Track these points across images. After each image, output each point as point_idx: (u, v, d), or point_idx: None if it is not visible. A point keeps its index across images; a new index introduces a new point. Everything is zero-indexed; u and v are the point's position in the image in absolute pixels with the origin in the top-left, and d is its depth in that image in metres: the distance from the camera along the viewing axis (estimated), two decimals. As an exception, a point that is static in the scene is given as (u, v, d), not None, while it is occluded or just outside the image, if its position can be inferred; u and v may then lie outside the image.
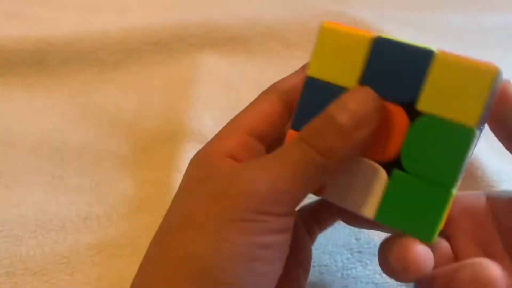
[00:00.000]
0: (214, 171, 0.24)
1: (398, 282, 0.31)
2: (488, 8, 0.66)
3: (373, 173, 0.24)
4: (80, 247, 0.35)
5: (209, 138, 0.27)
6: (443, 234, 0.26)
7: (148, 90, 0.50)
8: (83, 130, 0.45)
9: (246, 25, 0.56)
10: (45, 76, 0.50)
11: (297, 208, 0.24)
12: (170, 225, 0.24)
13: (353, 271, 0.33)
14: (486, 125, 0.25)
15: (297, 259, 0.27)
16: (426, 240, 0.23)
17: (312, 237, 0.30)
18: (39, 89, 0.49)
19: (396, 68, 0.23)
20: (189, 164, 0.26)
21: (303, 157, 0.22)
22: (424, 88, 0.23)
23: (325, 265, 0.33)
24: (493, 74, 0.22)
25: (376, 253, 0.26)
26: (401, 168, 0.23)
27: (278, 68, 0.51)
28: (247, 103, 0.27)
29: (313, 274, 0.33)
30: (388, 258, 0.24)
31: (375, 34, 0.24)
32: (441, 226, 0.23)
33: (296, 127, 0.25)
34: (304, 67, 0.27)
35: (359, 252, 0.34)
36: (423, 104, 0.23)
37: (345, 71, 0.24)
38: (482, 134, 0.24)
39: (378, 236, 0.34)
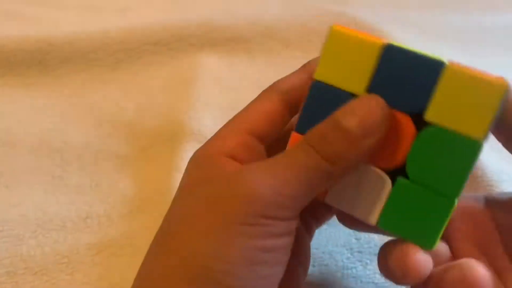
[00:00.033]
0: (216, 171, 0.24)
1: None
2: (488, 8, 0.66)
3: (378, 180, 0.24)
4: (80, 247, 0.35)
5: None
6: (442, 236, 0.26)
7: (148, 90, 0.50)
8: (83, 130, 0.45)
9: (246, 25, 0.56)
10: (45, 76, 0.50)
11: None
12: (172, 226, 0.24)
13: (353, 270, 0.33)
14: None
15: (296, 256, 0.27)
16: (427, 247, 0.24)
17: (310, 233, 0.30)
18: (39, 89, 0.49)
19: (406, 77, 0.23)
20: (189, 164, 0.26)
21: (309, 163, 0.22)
22: (433, 99, 0.23)
23: (325, 265, 0.33)
24: (503, 88, 0.22)
25: (377, 252, 0.26)
26: (405, 176, 0.24)
27: (278, 68, 0.51)
28: (247, 103, 0.27)
29: (313, 274, 0.33)
30: (388, 263, 0.24)
31: (386, 41, 0.23)
32: (442, 233, 0.24)
33: (301, 130, 0.25)
34: (305, 66, 0.27)
35: (359, 252, 0.34)
36: (431, 114, 0.23)
37: (354, 77, 0.24)
38: None
39: (378, 236, 0.35)
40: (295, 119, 0.28)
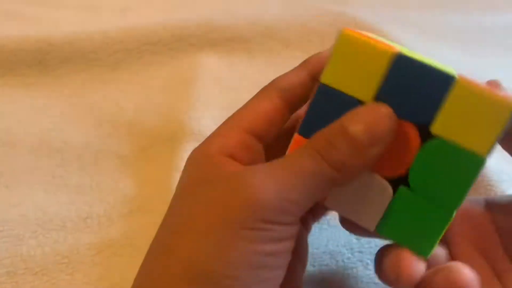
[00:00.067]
0: (217, 172, 0.24)
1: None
2: (488, 8, 0.66)
3: (379, 188, 0.24)
4: (80, 247, 0.35)
5: (209, 139, 0.26)
6: (442, 239, 0.26)
7: (148, 90, 0.50)
8: (83, 130, 0.45)
9: (246, 25, 0.56)
10: (45, 76, 0.50)
11: None
12: (172, 226, 0.24)
13: (354, 271, 0.33)
14: None
15: (294, 253, 0.27)
16: (422, 255, 0.24)
17: (307, 228, 0.30)
18: (39, 89, 0.49)
19: (415, 88, 0.23)
20: (188, 162, 0.26)
21: (314, 169, 0.22)
22: (440, 112, 0.23)
23: (326, 265, 0.33)
24: (511, 107, 0.22)
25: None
26: (407, 184, 0.24)
27: (278, 68, 0.51)
28: (246, 103, 0.27)
29: (314, 274, 0.33)
30: (383, 266, 0.25)
31: (396, 49, 0.23)
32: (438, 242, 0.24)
33: (304, 133, 0.25)
34: (304, 63, 0.27)
35: (360, 252, 0.34)
36: (438, 127, 0.23)
37: (362, 84, 0.24)
38: None
39: (378, 236, 0.35)
40: (293, 117, 0.28)
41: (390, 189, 0.24)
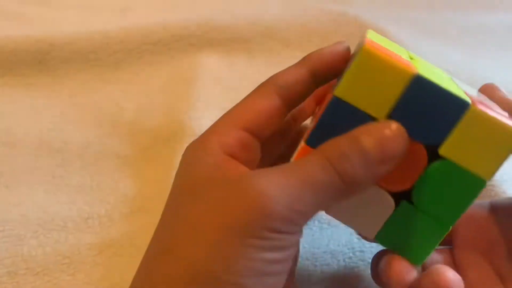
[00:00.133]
0: (219, 172, 0.23)
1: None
2: (488, 8, 0.66)
3: (383, 202, 0.25)
4: (81, 247, 0.35)
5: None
6: (446, 242, 0.27)
7: (148, 90, 0.50)
8: (83, 130, 0.45)
9: (246, 25, 0.56)
10: (45, 76, 0.50)
11: None
12: (173, 226, 0.23)
13: (355, 270, 0.33)
14: None
15: None
16: (415, 262, 0.26)
17: None
18: (39, 89, 0.49)
19: (430, 111, 0.23)
20: (186, 160, 0.25)
21: (325, 179, 0.22)
22: (450, 135, 0.23)
23: (327, 265, 0.33)
24: None
25: (378, 252, 0.27)
26: (407, 197, 0.25)
27: (278, 68, 0.51)
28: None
29: (315, 274, 0.33)
30: (378, 270, 0.26)
31: (415, 70, 0.23)
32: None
33: (312, 144, 0.25)
34: (303, 60, 0.26)
35: (361, 251, 0.34)
36: (446, 149, 0.24)
37: (377, 101, 0.24)
38: None
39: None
40: (292, 115, 0.28)
41: (392, 203, 0.25)
